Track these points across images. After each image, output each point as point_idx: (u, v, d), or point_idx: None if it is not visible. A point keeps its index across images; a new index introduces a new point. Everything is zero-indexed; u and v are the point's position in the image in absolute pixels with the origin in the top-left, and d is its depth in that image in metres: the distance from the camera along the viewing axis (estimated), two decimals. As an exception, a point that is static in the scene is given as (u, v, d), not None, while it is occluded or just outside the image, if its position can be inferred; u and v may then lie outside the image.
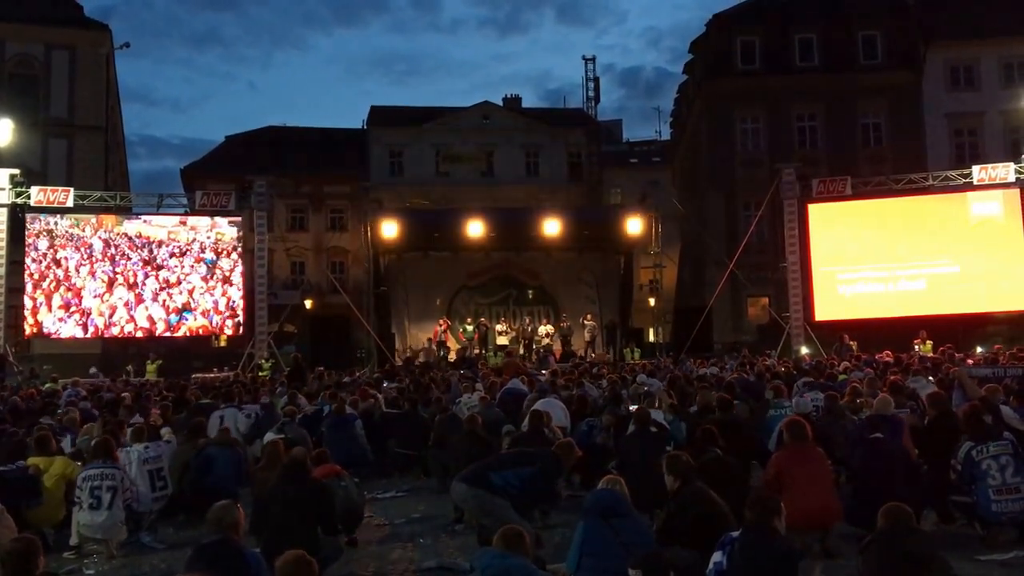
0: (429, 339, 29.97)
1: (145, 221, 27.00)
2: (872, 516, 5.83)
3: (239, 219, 27.53)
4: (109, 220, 26.63)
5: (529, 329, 31.34)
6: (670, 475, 7.24)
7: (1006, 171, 27.09)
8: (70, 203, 26.41)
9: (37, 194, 26.13)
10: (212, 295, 27.06)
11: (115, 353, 29.31)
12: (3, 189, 25.53)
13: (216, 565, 5.41)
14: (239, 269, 27.21)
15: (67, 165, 36.47)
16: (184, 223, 27.18)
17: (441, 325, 30.52)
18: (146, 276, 26.61)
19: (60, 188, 27.15)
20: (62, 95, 37.33)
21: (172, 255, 26.84)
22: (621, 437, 10.32)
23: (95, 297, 26.27)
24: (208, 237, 27.14)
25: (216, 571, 5.35)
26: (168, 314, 26.51)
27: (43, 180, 30.56)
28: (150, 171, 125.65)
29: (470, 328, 30.56)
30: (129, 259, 26.55)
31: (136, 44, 39.97)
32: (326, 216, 45.73)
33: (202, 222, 27.25)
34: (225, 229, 27.25)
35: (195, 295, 26.88)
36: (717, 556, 5.48)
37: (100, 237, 26.52)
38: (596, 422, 11.49)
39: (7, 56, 36.60)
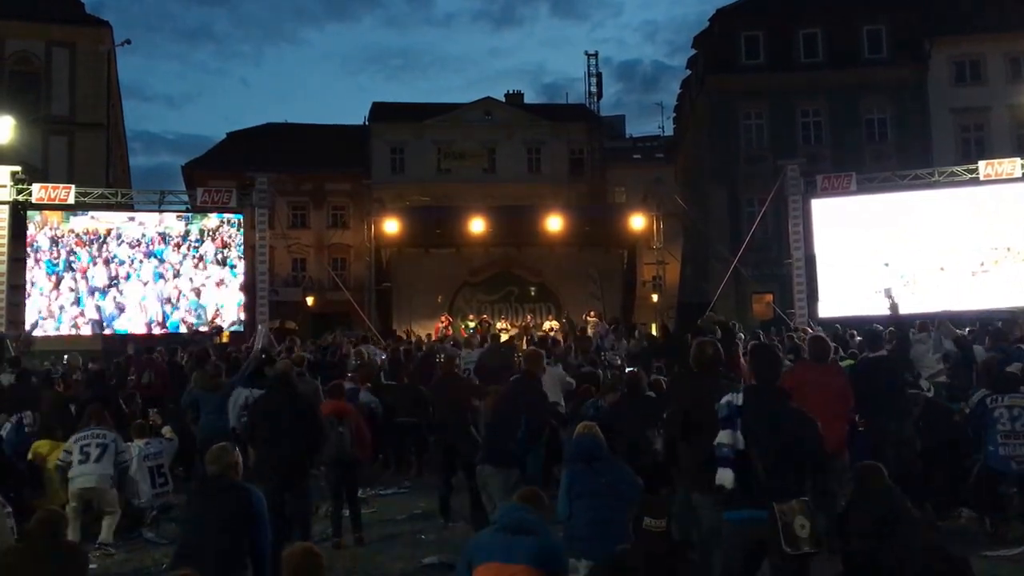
0: (429, 335, 29.82)
1: (93, 217, 26.54)
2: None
3: (187, 214, 27.02)
4: (55, 217, 26.15)
5: (531, 326, 31.21)
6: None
7: (1012, 166, 26.78)
8: (71, 200, 26.09)
9: (39, 191, 25.88)
10: (163, 290, 26.48)
11: (115, 349, 29.14)
12: (4, 186, 25.27)
13: (218, 497, 5.78)
14: (189, 263, 26.65)
15: (68, 162, 36.30)
16: (132, 219, 26.67)
17: (443, 322, 30.40)
18: (93, 273, 26.00)
19: (62, 185, 26.80)
20: (63, 92, 37.13)
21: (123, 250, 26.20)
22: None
23: (42, 296, 25.86)
24: (156, 231, 26.65)
25: (218, 503, 5.72)
26: (120, 312, 25.89)
27: (44, 177, 30.33)
28: (146, 167, 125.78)
29: (472, 325, 30.43)
30: (77, 256, 26.05)
31: (130, 39, 40.06)
32: (327, 213, 45.69)
33: (150, 218, 26.78)
34: (173, 224, 26.77)
35: (146, 290, 26.32)
36: (729, 396, 5.55)
37: (45, 235, 26.04)
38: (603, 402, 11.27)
39: (7, 53, 36.39)
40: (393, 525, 10.16)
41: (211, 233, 26.63)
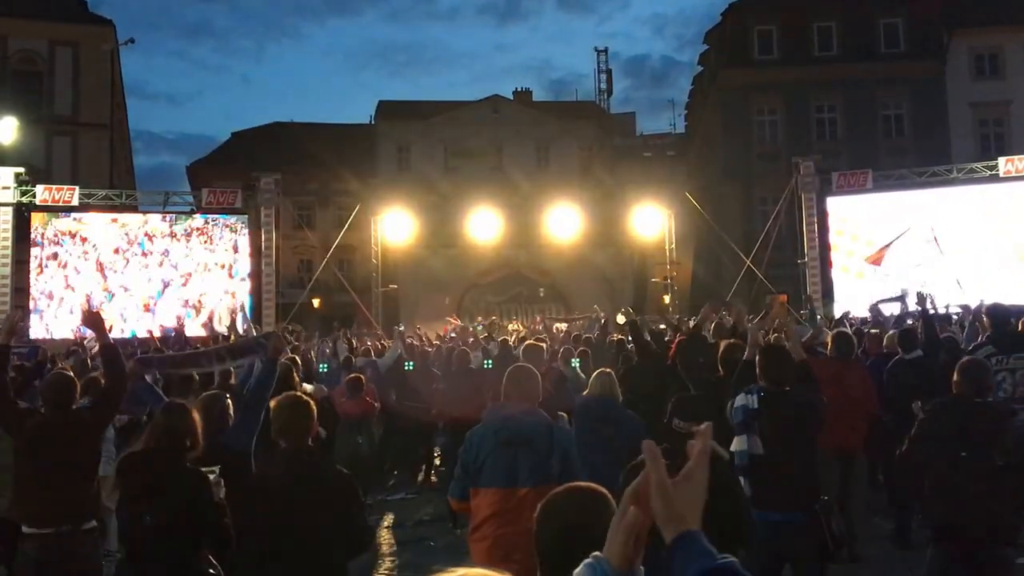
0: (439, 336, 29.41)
1: (76, 219, 26.25)
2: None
3: (172, 215, 26.72)
4: (38, 220, 25.84)
5: (540, 327, 30.82)
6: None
7: (1034, 162, 26.31)
8: (75, 202, 25.87)
9: (42, 192, 25.60)
10: (139, 292, 26.19)
11: (126, 350, 28.74)
12: (8, 188, 24.95)
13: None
14: (167, 266, 26.37)
15: (72, 163, 36.03)
16: (115, 220, 26.36)
17: (451, 323, 29.98)
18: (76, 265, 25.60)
19: (65, 187, 26.61)
20: (66, 92, 36.88)
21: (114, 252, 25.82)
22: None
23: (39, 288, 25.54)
24: (142, 232, 26.38)
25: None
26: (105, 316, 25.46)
27: (48, 178, 30.02)
28: (147, 166, 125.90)
29: (480, 327, 30.00)
30: (56, 258, 25.75)
31: (126, 37, 39.72)
32: (333, 213, 45.24)
33: (134, 219, 26.47)
34: (158, 224, 26.41)
35: (129, 293, 26.02)
36: (742, 399, 5.44)
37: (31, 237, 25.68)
38: None
39: (10, 52, 36.12)
40: (401, 532, 10.02)
41: (198, 232, 26.49)
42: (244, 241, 26.58)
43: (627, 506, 1.73)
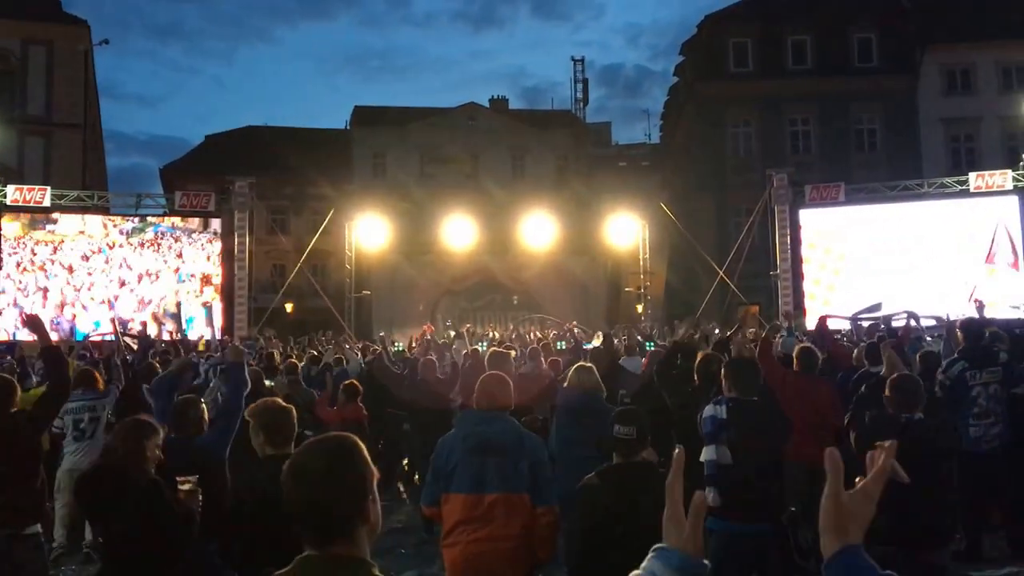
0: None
1: (49, 231, 26.16)
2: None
3: (130, 227, 26.80)
4: (10, 225, 25.72)
5: (513, 336, 30.80)
6: None
7: (1003, 178, 26.54)
8: (47, 203, 25.73)
9: (13, 193, 25.42)
10: (96, 294, 26.25)
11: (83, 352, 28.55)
12: (-23, 188, 24.84)
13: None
14: (124, 269, 26.43)
15: (44, 164, 35.65)
16: (82, 232, 26.29)
17: (425, 330, 29.86)
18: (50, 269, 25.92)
19: (37, 187, 26.47)
20: (39, 92, 36.51)
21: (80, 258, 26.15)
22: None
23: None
24: (102, 244, 26.44)
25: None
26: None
27: (20, 179, 29.78)
28: (118, 168, 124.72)
29: (452, 333, 29.94)
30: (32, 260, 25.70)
31: (97, 36, 39.24)
32: (308, 218, 44.96)
33: (98, 230, 26.47)
34: (117, 237, 26.66)
35: (83, 294, 26.08)
36: (710, 409, 5.47)
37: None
38: None
39: (-18, 51, 35.76)
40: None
41: (150, 243, 26.68)
42: (190, 250, 27.12)
43: (676, 493, 1.73)
